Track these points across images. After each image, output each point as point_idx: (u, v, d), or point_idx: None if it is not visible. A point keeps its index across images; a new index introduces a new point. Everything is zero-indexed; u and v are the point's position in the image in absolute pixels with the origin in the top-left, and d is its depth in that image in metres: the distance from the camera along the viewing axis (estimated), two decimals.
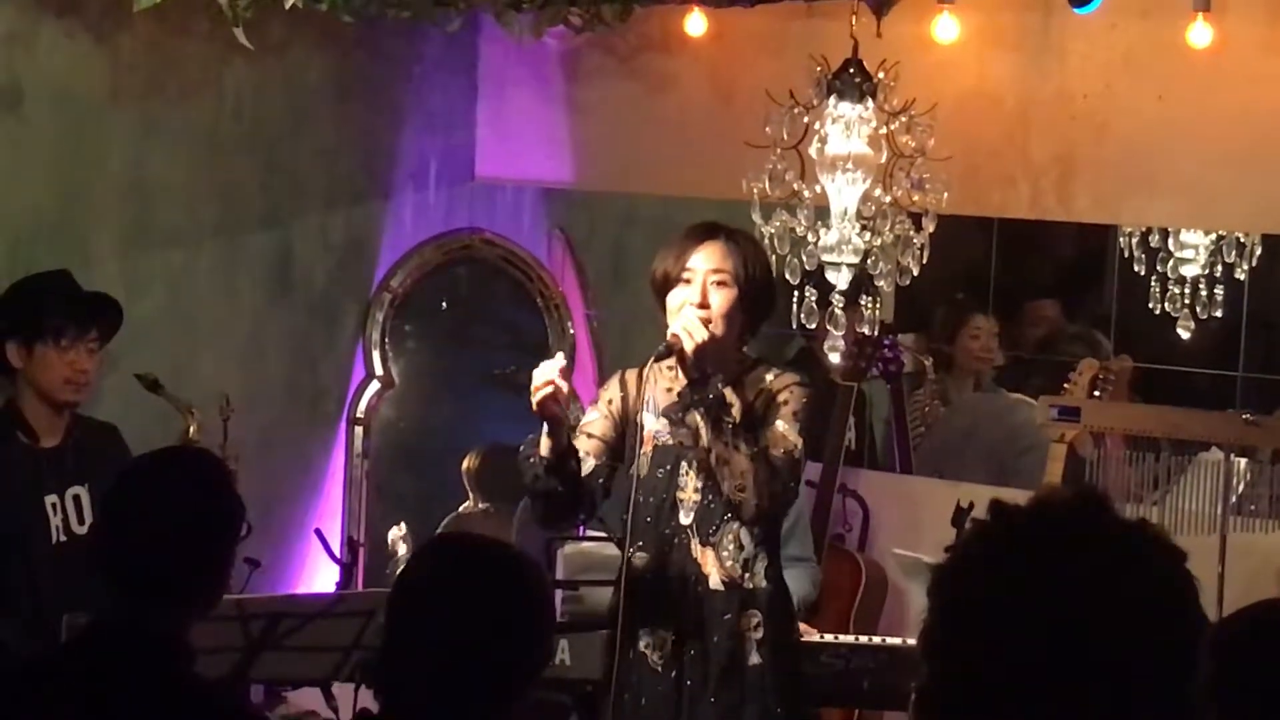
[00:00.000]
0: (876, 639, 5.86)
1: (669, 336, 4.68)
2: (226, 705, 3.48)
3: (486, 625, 2.92)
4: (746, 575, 4.73)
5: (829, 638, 5.80)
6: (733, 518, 4.70)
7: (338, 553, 6.50)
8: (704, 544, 4.73)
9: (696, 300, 4.69)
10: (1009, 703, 1.83)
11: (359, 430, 7.23)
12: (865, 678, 5.66)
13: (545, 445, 4.72)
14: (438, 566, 3.07)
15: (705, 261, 4.72)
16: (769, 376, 4.79)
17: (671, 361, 4.77)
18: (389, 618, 3.01)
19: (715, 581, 4.73)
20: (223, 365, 6.70)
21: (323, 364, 7.20)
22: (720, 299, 4.71)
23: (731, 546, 4.72)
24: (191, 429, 5.81)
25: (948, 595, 1.91)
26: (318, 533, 6.45)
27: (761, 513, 4.73)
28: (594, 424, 4.88)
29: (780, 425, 4.71)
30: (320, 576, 6.80)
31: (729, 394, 4.70)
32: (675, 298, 4.73)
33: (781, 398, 4.74)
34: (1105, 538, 1.88)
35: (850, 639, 5.84)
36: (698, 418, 4.67)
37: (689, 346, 4.64)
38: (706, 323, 4.66)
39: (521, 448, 4.84)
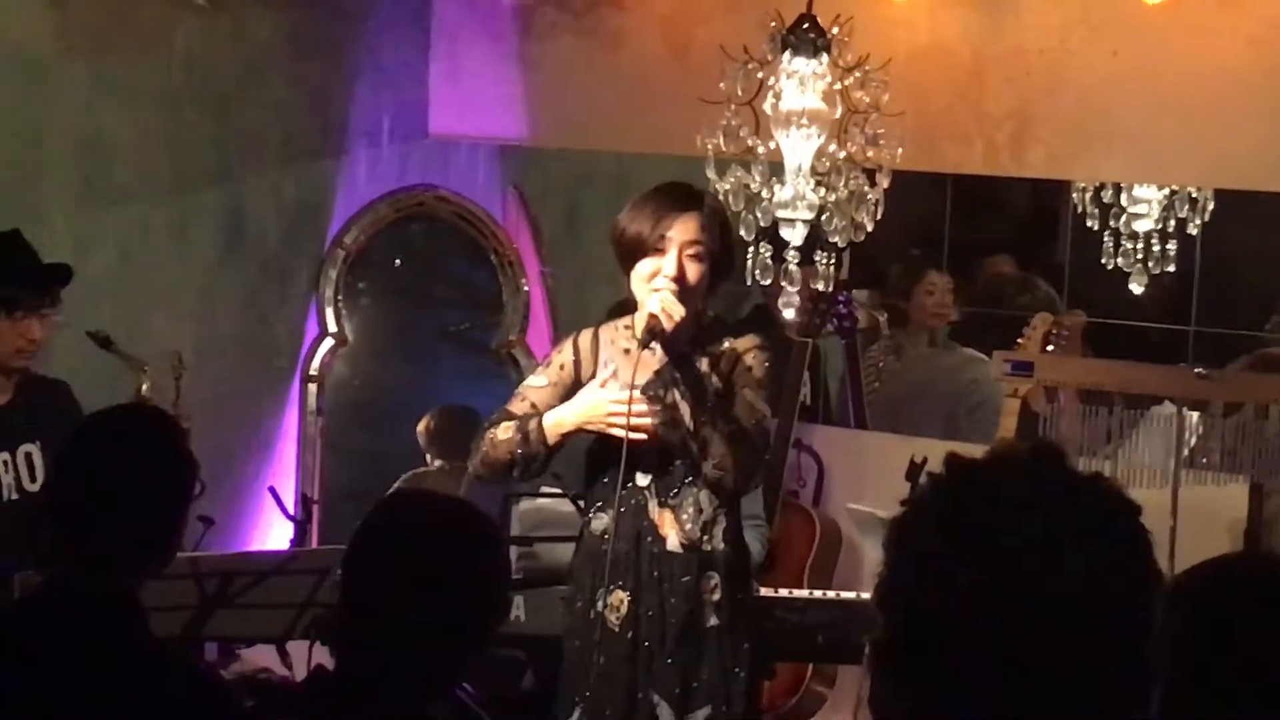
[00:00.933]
0: (831, 594, 5.87)
1: (648, 318, 4.60)
2: (180, 663, 3.47)
3: (441, 581, 2.92)
4: (705, 538, 4.70)
5: (784, 593, 5.81)
6: (693, 481, 4.68)
7: (291, 510, 6.49)
8: (662, 506, 4.70)
9: (671, 272, 4.61)
10: (964, 655, 1.83)
11: (313, 387, 7.22)
12: (820, 632, 5.67)
13: (561, 432, 4.69)
14: (392, 524, 3.06)
15: (682, 233, 4.65)
16: (728, 340, 4.75)
17: (628, 321, 4.74)
18: (344, 575, 3.01)
19: (674, 543, 4.70)
20: (175, 323, 6.68)
21: (276, 321, 7.18)
22: (694, 272, 4.65)
23: (691, 509, 4.69)
24: (144, 386, 5.79)
25: (903, 548, 1.91)
26: (271, 490, 6.44)
27: (740, 488, 4.73)
28: (538, 391, 4.82)
29: (748, 394, 4.68)
30: (274, 533, 6.79)
31: (698, 357, 4.66)
32: (646, 266, 4.65)
33: (746, 362, 4.70)
34: (1061, 491, 1.88)
35: (805, 594, 5.86)
36: (677, 396, 4.63)
37: (669, 326, 4.58)
38: (680, 297, 4.59)
39: (497, 432, 4.77)
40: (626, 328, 4.76)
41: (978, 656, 1.82)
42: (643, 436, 4.63)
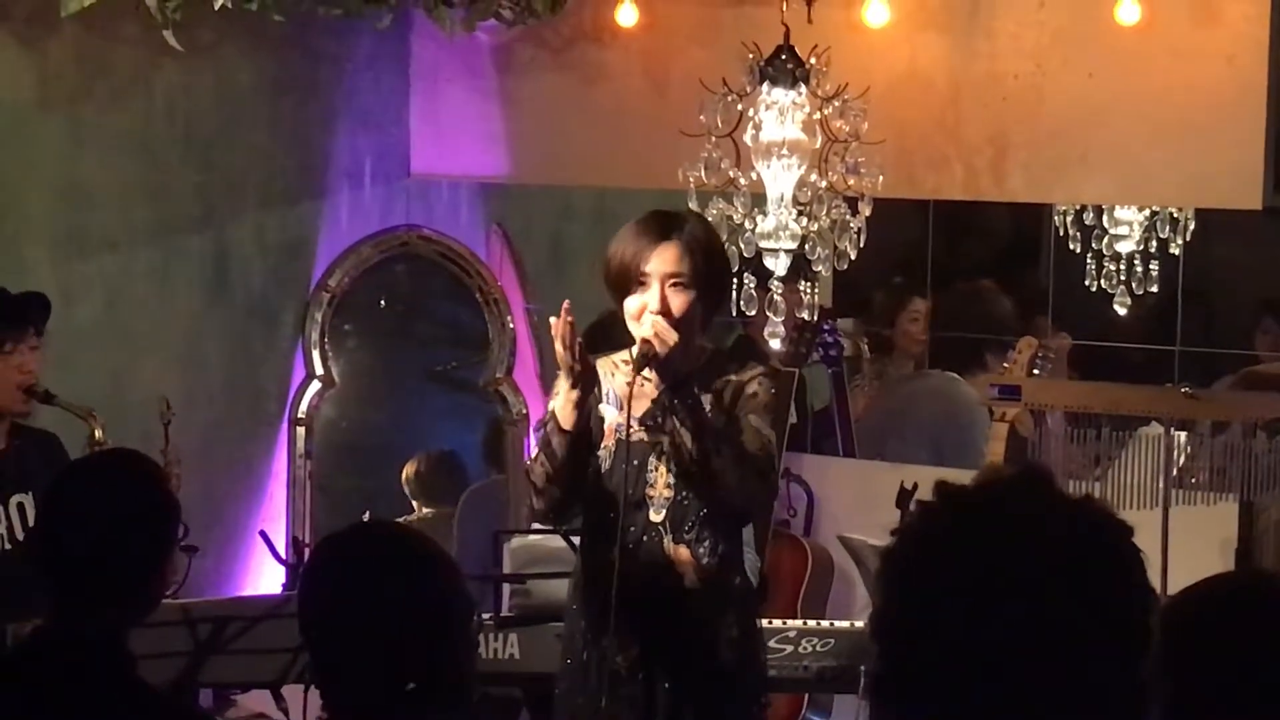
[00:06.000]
0: (825, 623, 5.87)
1: (640, 342, 4.53)
2: (174, 708, 3.46)
3: (385, 607, 2.90)
4: (723, 573, 4.62)
5: (777, 623, 5.81)
6: (709, 515, 4.59)
7: (283, 553, 6.48)
8: (677, 542, 4.60)
9: (655, 307, 4.54)
10: (961, 683, 1.83)
11: (301, 431, 7.20)
12: (814, 661, 5.67)
13: (570, 416, 4.53)
14: (331, 560, 3.05)
15: (661, 265, 4.56)
16: (732, 369, 4.70)
17: (625, 356, 4.65)
18: (303, 633, 3.00)
19: (691, 580, 4.60)
20: (162, 369, 6.67)
21: (263, 365, 7.17)
22: (679, 302, 4.56)
23: (707, 544, 4.60)
24: (97, 433, 5.75)
25: (895, 577, 1.91)
26: (262, 534, 6.42)
27: (746, 511, 4.67)
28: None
29: (753, 419, 4.58)
30: (266, 578, 6.78)
31: (700, 392, 4.59)
32: (633, 303, 4.58)
33: (750, 390, 4.61)
34: (1051, 515, 1.88)
35: (799, 623, 5.85)
36: (676, 423, 4.56)
37: (662, 350, 4.51)
38: (671, 326, 4.53)
39: (536, 429, 4.71)
40: (625, 363, 4.67)
41: (975, 684, 1.82)
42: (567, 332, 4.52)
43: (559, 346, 4.52)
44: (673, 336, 4.50)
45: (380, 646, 2.88)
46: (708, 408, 4.57)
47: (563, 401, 4.56)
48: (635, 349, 4.59)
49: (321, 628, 2.96)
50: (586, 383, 4.56)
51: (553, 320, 4.52)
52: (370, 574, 2.94)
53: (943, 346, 7.64)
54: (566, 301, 4.54)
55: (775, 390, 4.70)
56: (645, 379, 4.60)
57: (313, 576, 3.05)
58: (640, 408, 4.62)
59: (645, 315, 4.56)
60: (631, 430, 4.60)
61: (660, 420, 4.57)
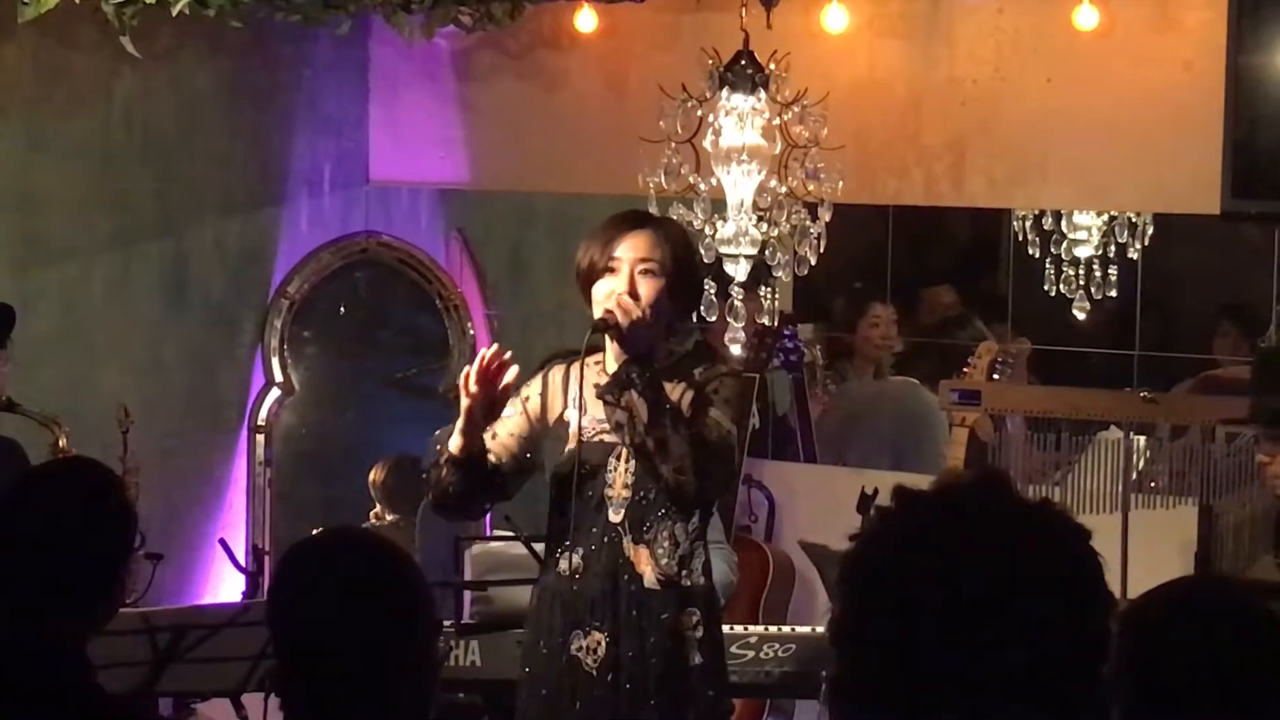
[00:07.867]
0: (786, 628, 5.87)
1: (602, 312, 4.49)
2: (133, 717, 3.45)
3: (356, 614, 2.89)
4: (684, 572, 4.58)
5: (738, 628, 5.81)
6: (667, 514, 4.56)
7: (242, 561, 6.46)
8: (637, 542, 4.57)
9: (624, 289, 4.50)
10: (922, 688, 1.83)
11: (260, 438, 7.19)
12: (775, 667, 5.67)
13: (457, 443, 4.55)
14: (301, 569, 3.04)
15: (632, 251, 4.53)
16: (697, 370, 4.67)
17: (600, 359, 4.62)
18: (273, 636, 2.98)
19: (650, 580, 4.56)
20: (121, 377, 6.65)
21: (222, 372, 7.15)
22: (648, 288, 4.52)
23: (667, 544, 4.56)
24: (61, 440, 5.72)
25: (855, 582, 1.91)
26: (222, 542, 6.41)
27: (703, 496, 4.57)
28: (506, 422, 4.67)
29: (713, 412, 4.55)
30: (226, 586, 6.76)
31: (675, 388, 4.56)
32: (601, 288, 4.53)
33: (711, 387, 4.58)
34: (1008, 519, 1.89)
35: (760, 629, 5.86)
36: (634, 397, 4.51)
37: (624, 321, 4.46)
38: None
39: (437, 434, 4.71)
40: (597, 362, 4.63)
41: (935, 689, 1.83)
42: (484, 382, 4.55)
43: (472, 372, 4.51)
44: (635, 311, 4.47)
45: (351, 653, 2.87)
46: (679, 398, 4.55)
47: (460, 422, 4.54)
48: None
49: (294, 634, 2.95)
50: (481, 415, 4.54)
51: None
52: (344, 580, 2.93)
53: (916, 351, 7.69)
54: (508, 354, 4.54)
55: (740, 387, 4.68)
56: (596, 362, 4.58)
57: (285, 583, 3.03)
58: (600, 381, 4.58)
59: (611, 297, 4.52)
60: (594, 431, 4.59)
61: (619, 396, 4.54)
